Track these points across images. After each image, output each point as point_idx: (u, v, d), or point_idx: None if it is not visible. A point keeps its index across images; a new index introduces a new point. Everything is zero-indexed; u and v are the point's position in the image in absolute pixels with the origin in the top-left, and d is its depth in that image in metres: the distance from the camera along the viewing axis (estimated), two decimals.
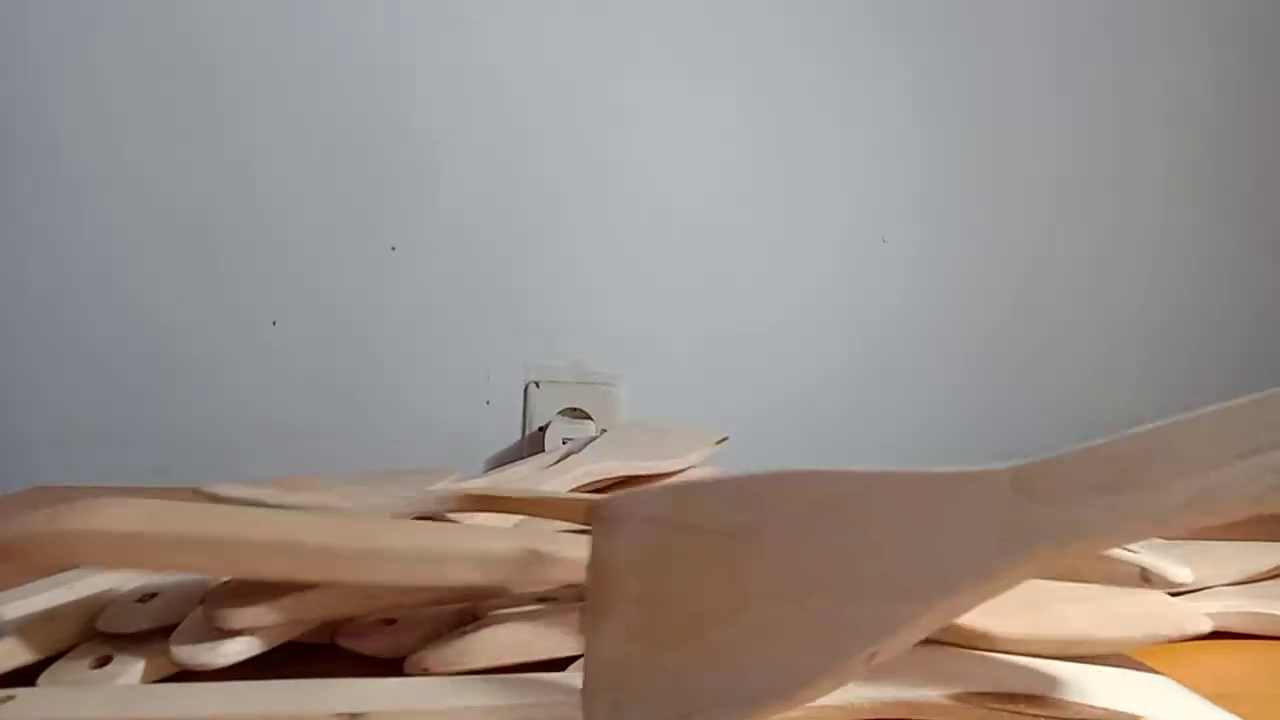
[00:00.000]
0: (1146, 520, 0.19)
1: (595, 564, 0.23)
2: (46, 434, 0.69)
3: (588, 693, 0.21)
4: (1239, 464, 0.18)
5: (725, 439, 0.57)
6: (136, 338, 0.69)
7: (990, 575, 0.19)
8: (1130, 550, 0.26)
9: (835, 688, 0.20)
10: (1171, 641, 0.31)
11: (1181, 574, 0.26)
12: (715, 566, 0.21)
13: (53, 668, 0.28)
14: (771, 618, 0.20)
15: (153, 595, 0.30)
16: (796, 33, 0.71)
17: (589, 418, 0.70)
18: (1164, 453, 0.19)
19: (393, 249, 0.70)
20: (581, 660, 0.29)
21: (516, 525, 0.38)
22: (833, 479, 0.22)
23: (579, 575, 0.29)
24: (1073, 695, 0.26)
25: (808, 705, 0.25)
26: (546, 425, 0.70)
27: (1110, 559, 0.26)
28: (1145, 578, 0.26)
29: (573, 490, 0.49)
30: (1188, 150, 0.73)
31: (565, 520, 0.35)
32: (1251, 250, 0.74)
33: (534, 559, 0.28)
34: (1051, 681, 0.27)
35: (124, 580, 0.31)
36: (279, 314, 0.70)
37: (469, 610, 0.32)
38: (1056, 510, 0.19)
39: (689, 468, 0.55)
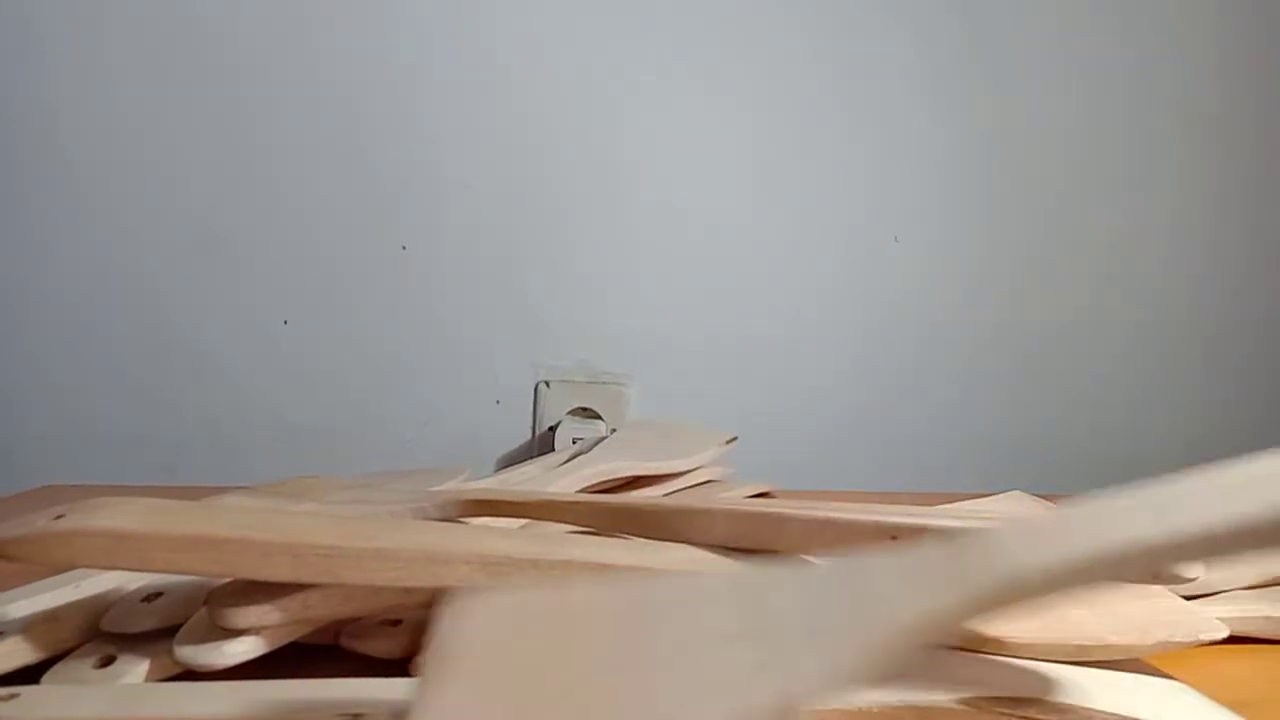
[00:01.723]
0: (1081, 563, 0.18)
1: (441, 646, 0.20)
2: (56, 433, 0.69)
3: None
4: (1163, 520, 0.18)
5: (734, 439, 0.57)
6: (147, 337, 0.69)
7: (922, 617, 0.18)
8: None
9: None
10: (1185, 646, 0.30)
11: (1193, 570, 0.25)
12: (597, 649, 0.19)
13: (56, 667, 0.28)
14: (668, 679, 0.18)
15: (157, 595, 0.30)
16: (807, 32, 0.71)
17: (599, 417, 0.70)
18: (1093, 517, 0.19)
19: (404, 248, 0.70)
20: None
21: (523, 526, 0.38)
22: (730, 571, 0.20)
23: (584, 577, 0.29)
24: (1085, 700, 0.26)
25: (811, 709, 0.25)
26: (556, 425, 0.70)
27: None
28: (1155, 575, 0.25)
29: (582, 490, 0.49)
30: (1199, 148, 0.73)
31: (568, 522, 0.35)
32: (1265, 249, 0.74)
33: (539, 559, 0.28)
34: (1063, 686, 0.26)
35: (128, 580, 0.31)
36: (290, 313, 0.70)
37: None
38: (992, 560, 0.19)
39: (699, 467, 0.55)
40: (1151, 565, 0.19)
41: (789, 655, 0.18)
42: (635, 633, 0.19)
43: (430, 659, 0.20)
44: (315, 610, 0.28)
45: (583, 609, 0.20)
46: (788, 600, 0.19)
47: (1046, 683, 0.27)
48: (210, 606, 0.27)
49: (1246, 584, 0.37)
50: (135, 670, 0.27)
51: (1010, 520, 0.20)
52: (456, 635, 0.20)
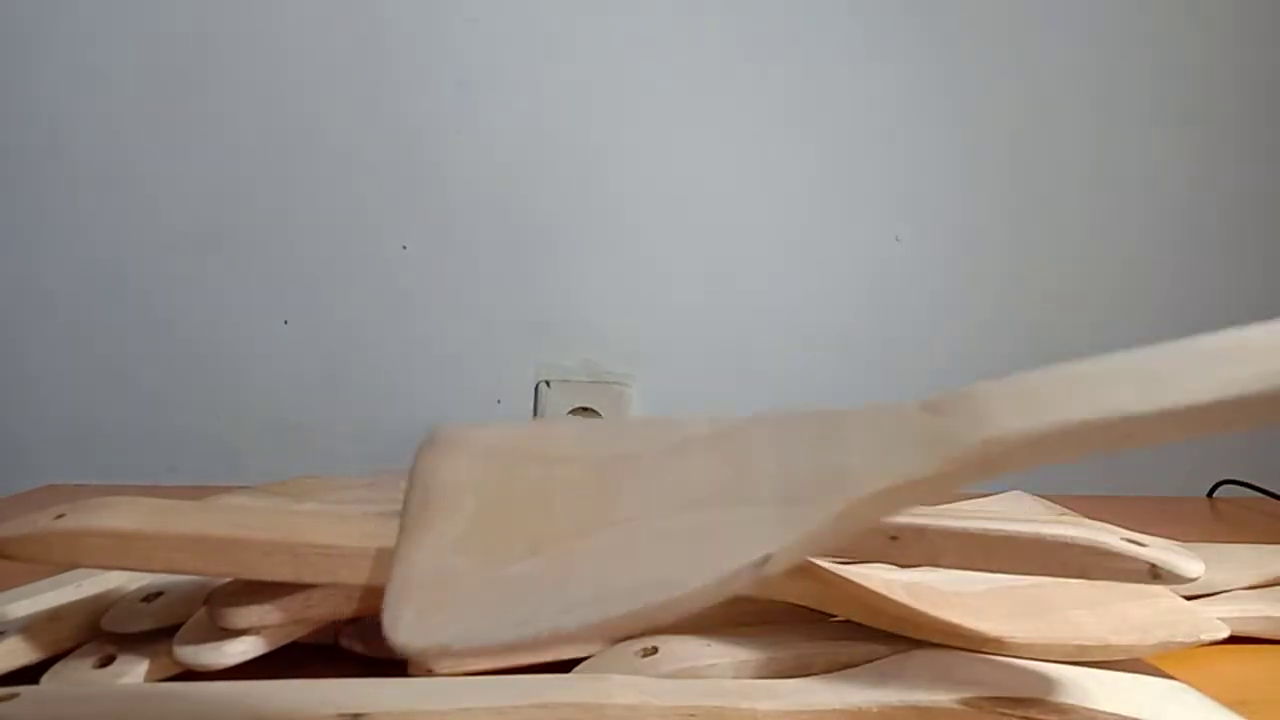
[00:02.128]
0: (1061, 431, 0.17)
1: (421, 478, 0.20)
2: (57, 433, 0.69)
3: (391, 599, 0.18)
4: (1150, 388, 0.17)
5: None
6: (147, 337, 0.69)
7: (898, 477, 0.17)
8: (1139, 545, 0.26)
9: (716, 597, 0.17)
10: (1186, 646, 0.30)
11: (1193, 568, 0.25)
12: (575, 487, 0.19)
13: (56, 667, 0.28)
14: (643, 530, 0.18)
15: (157, 595, 0.30)
16: (810, 31, 0.70)
17: (600, 417, 0.70)
18: (1077, 380, 0.18)
19: (404, 248, 0.70)
20: (587, 660, 0.29)
21: None
22: (710, 420, 0.20)
23: None
24: (1086, 700, 0.26)
25: (805, 710, 0.25)
26: None
27: (1119, 555, 0.26)
28: (1155, 574, 0.25)
29: None
30: (1209, 151, 0.73)
31: None
32: (1276, 253, 0.73)
33: None
34: (1064, 686, 0.26)
35: (129, 580, 0.31)
36: (290, 313, 0.70)
37: None
38: (972, 421, 0.18)
39: None
40: (1136, 436, 0.18)
41: (763, 519, 0.17)
42: (612, 484, 0.19)
43: (408, 499, 0.20)
44: (315, 610, 0.28)
45: (560, 455, 0.20)
46: (764, 457, 0.19)
47: (1047, 683, 0.27)
48: (210, 606, 0.27)
49: (1247, 584, 0.37)
50: (135, 670, 0.27)
51: (992, 383, 0.19)
52: (434, 475, 0.20)
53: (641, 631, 0.30)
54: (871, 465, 0.18)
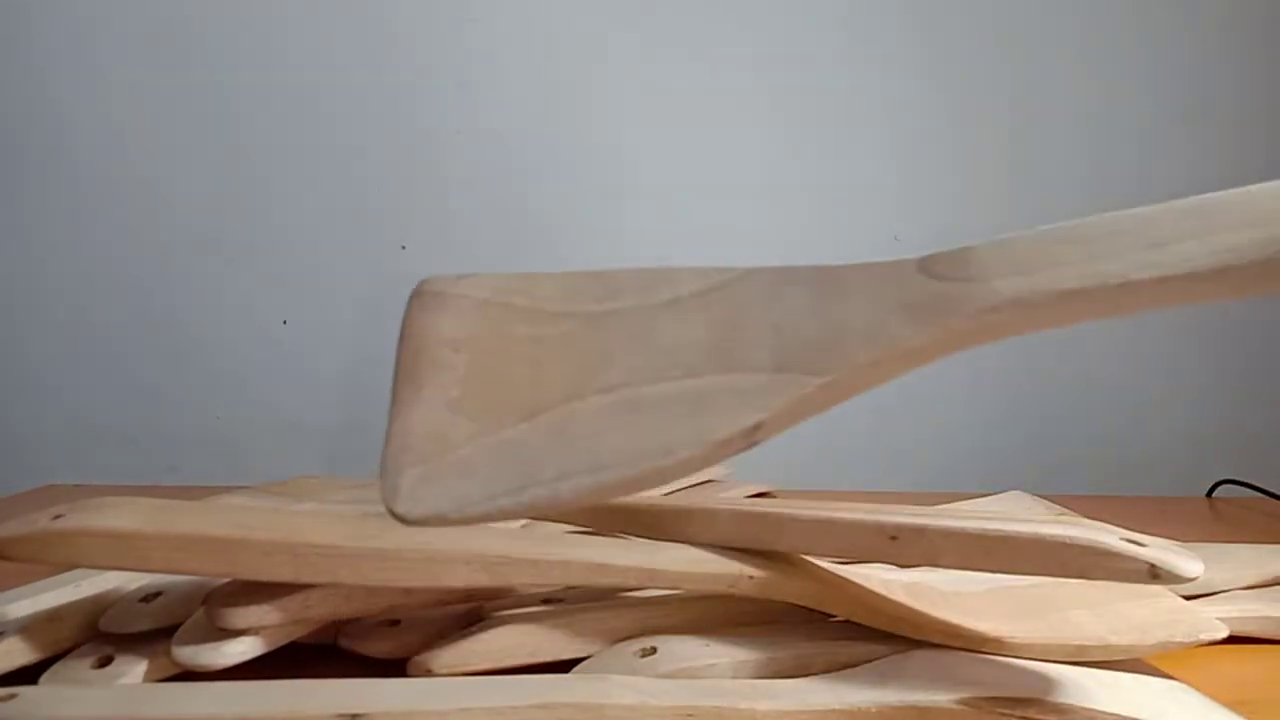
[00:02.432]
0: (1058, 298, 0.17)
1: (412, 337, 0.20)
2: (58, 433, 0.69)
3: (388, 466, 0.18)
4: (1148, 253, 0.17)
5: None
6: (147, 337, 0.69)
7: (893, 345, 0.17)
8: (1138, 545, 0.26)
9: (707, 463, 0.17)
10: (1185, 646, 0.30)
11: (1192, 568, 0.25)
12: (566, 348, 0.19)
13: (55, 667, 0.28)
14: (635, 394, 0.17)
15: (156, 595, 0.30)
16: (809, 30, 0.70)
17: None
18: (1075, 242, 0.18)
19: (403, 248, 0.70)
20: (586, 660, 0.29)
21: (522, 526, 0.38)
22: (702, 273, 0.19)
23: (585, 577, 0.29)
24: (1085, 700, 0.26)
25: (807, 710, 0.25)
26: None
27: (1118, 555, 0.25)
28: (1154, 574, 0.25)
29: None
30: (1207, 148, 0.73)
31: (567, 522, 0.35)
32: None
33: (538, 560, 0.28)
34: (1063, 686, 0.26)
35: (128, 580, 0.31)
36: (289, 313, 0.70)
37: (473, 611, 0.32)
38: (966, 286, 0.17)
39: None
40: (1132, 303, 0.18)
41: (755, 386, 0.17)
42: (602, 344, 0.19)
43: (400, 358, 0.19)
44: (314, 610, 0.28)
45: (549, 311, 0.20)
46: (757, 319, 0.18)
47: (1046, 683, 0.27)
48: (209, 607, 0.27)
49: (1246, 584, 0.37)
50: (134, 670, 0.27)
51: (992, 244, 0.18)
52: (424, 332, 0.20)
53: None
54: (866, 331, 0.17)
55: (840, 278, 0.19)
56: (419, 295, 0.20)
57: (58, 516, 0.26)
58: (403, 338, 0.20)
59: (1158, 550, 0.26)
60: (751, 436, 0.17)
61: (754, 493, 0.54)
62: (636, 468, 0.16)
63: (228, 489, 0.51)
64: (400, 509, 0.17)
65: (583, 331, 0.19)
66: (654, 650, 0.28)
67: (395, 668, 0.29)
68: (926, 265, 0.18)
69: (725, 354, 0.18)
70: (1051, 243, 0.18)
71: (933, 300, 0.17)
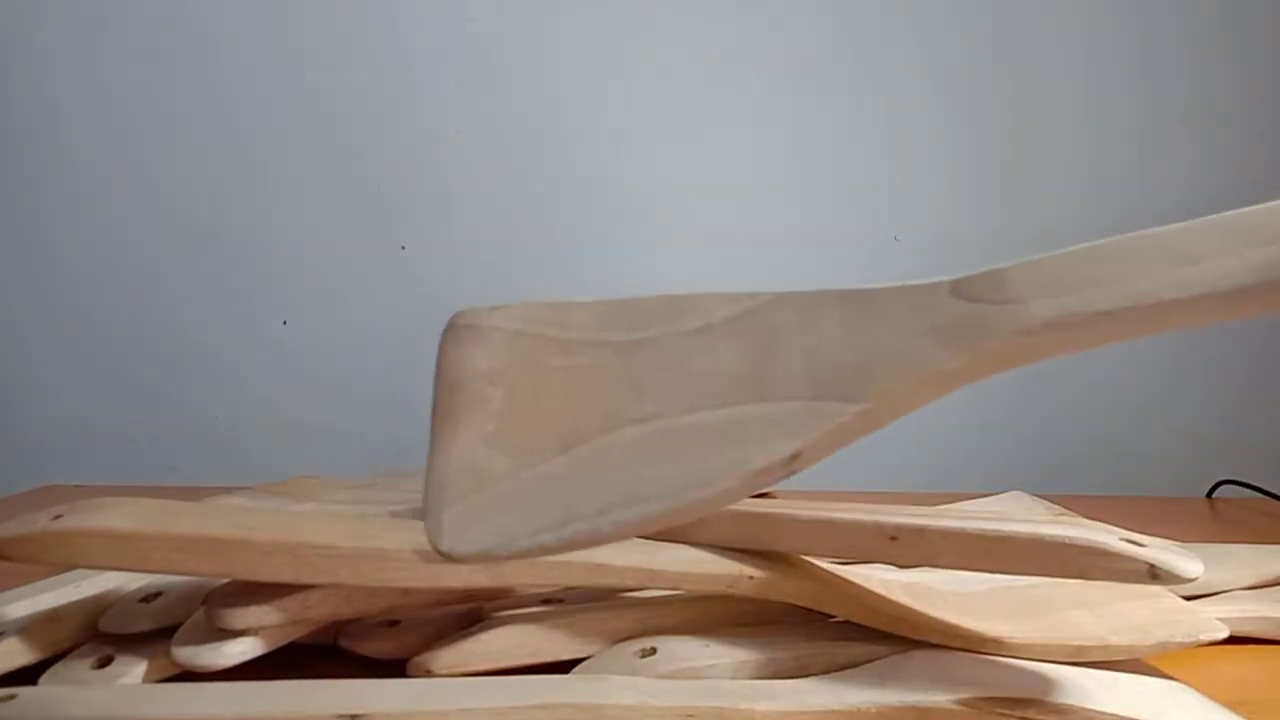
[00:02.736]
0: (1095, 319, 0.17)
1: (447, 371, 0.20)
2: (58, 433, 0.69)
3: (430, 502, 0.18)
4: (1183, 271, 0.17)
5: None
6: (147, 337, 0.69)
7: (927, 368, 0.17)
8: (1138, 545, 0.26)
9: (745, 493, 0.17)
10: (1185, 646, 0.30)
11: (1192, 568, 0.25)
12: (599, 379, 0.19)
13: (54, 668, 0.28)
14: (671, 425, 0.18)
15: (155, 595, 0.30)
16: (811, 31, 0.70)
17: None
18: (1109, 260, 0.17)
19: (403, 248, 0.70)
20: (586, 661, 0.29)
21: None
22: (732, 298, 0.19)
23: (585, 577, 0.29)
24: (1085, 701, 0.26)
25: (807, 710, 0.25)
26: None
27: (1117, 555, 0.25)
28: (1154, 574, 0.25)
29: None
30: (1207, 147, 0.73)
31: None
32: None
33: (538, 560, 0.28)
34: (1063, 687, 0.26)
35: (128, 580, 0.31)
36: (290, 313, 0.70)
37: (473, 611, 0.32)
38: (1001, 308, 0.17)
39: None
40: (1167, 322, 0.17)
41: (791, 415, 0.17)
42: (635, 375, 0.19)
43: (436, 395, 0.19)
44: (314, 611, 0.28)
45: (581, 341, 0.20)
46: (789, 345, 0.18)
47: (1046, 683, 0.27)
48: (209, 607, 0.27)
49: (1246, 584, 0.37)
50: (133, 671, 0.27)
51: (1025, 266, 0.18)
52: (458, 368, 0.20)
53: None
54: (898, 355, 0.17)
55: (872, 300, 0.19)
56: (452, 329, 0.20)
57: (57, 517, 0.26)
58: (438, 373, 0.20)
59: (1157, 550, 0.26)
60: (790, 466, 0.17)
61: (753, 493, 0.54)
62: (677, 499, 0.17)
63: (227, 489, 0.51)
64: (445, 546, 0.17)
65: (615, 361, 0.19)
66: (654, 651, 0.28)
67: (395, 668, 0.29)
68: (960, 288, 0.18)
69: (759, 382, 0.18)
70: (1085, 262, 0.18)
71: (966, 322, 0.17)
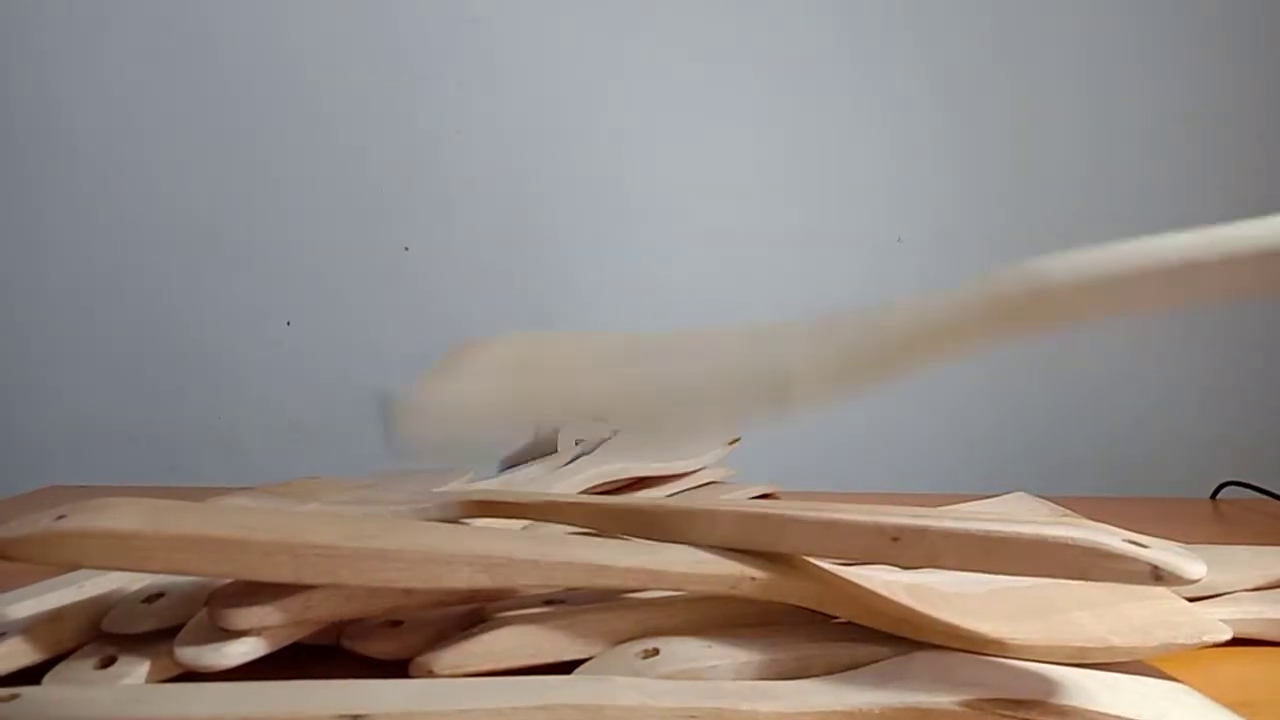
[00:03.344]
0: (1118, 278, 0.17)
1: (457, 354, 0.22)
2: (60, 433, 0.69)
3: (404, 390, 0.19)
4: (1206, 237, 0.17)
5: (737, 440, 0.56)
6: (150, 337, 0.69)
7: (944, 310, 0.18)
8: (1141, 546, 0.26)
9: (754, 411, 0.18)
10: (1188, 648, 0.30)
11: (1196, 569, 0.25)
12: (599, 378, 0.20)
13: (57, 668, 0.28)
14: (669, 384, 0.19)
15: (158, 596, 0.30)
16: (812, 31, 0.70)
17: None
18: (1132, 248, 0.18)
19: (406, 249, 0.70)
20: (588, 662, 0.29)
21: (525, 527, 0.38)
22: (745, 326, 0.20)
23: (587, 578, 0.29)
24: (1087, 702, 0.26)
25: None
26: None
27: (1120, 556, 0.25)
28: (1157, 575, 0.25)
29: (584, 491, 0.48)
30: (1209, 150, 0.73)
31: (570, 524, 0.35)
32: None
33: (540, 561, 0.28)
34: (1065, 688, 0.26)
35: (130, 580, 0.31)
36: (293, 314, 0.70)
37: (475, 612, 0.32)
38: (1022, 271, 0.18)
39: (701, 468, 0.55)
40: (1188, 289, 0.18)
41: (793, 348, 0.17)
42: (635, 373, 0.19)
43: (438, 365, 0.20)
44: (316, 611, 0.28)
45: (576, 368, 0.20)
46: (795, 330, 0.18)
47: (1048, 684, 0.27)
48: (211, 607, 0.27)
49: (1250, 586, 0.37)
50: (136, 671, 0.27)
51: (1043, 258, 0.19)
52: (465, 350, 0.20)
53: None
54: (912, 306, 0.18)
55: (889, 310, 0.19)
56: (468, 342, 0.21)
57: (60, 517, 0.26)
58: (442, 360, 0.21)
59: (1160, 552, 0.26)
60: (785, 393, 0.17)
61: (756, 494, 0.54)
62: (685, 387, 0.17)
63: (229, 489, 0.51)
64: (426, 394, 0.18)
65: (614, 376, 0.20)
66: (656, 651, 0.28)
67: (397, 668, 0.29)
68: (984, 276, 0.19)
69: (762, 341, 0.19)
70: (1108, 251, 0.19)
71: (984, 279, 0.18)
